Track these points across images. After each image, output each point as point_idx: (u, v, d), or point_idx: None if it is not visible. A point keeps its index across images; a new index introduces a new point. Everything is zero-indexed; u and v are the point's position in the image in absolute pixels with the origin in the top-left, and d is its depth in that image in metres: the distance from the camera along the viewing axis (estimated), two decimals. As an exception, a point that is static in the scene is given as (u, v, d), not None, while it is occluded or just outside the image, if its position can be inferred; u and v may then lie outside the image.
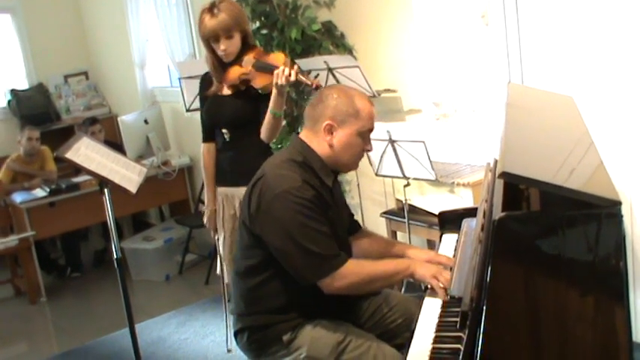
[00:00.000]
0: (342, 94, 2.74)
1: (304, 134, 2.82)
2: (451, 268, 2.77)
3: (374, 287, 2.84)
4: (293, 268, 2.65)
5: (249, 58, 3.68)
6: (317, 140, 2.76)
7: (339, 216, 2.85)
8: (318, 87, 3.48)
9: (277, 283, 2.74)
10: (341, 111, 2.71)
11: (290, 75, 3.48)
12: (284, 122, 5.47)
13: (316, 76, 3.67)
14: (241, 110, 3.75)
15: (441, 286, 2.65)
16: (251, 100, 3.72)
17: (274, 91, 3.55)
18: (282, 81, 3.49)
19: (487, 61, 4.36)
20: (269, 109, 3.61)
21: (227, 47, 3.67)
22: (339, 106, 2.71)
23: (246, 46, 3.74)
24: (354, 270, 2.66)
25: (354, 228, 3.15)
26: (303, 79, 3.52)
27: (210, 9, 3.65)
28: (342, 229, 2.88)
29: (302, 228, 2.60)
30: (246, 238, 2.80)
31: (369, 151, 2.85)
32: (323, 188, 2.73)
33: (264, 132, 3.70)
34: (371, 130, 2.80)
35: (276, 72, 3.51)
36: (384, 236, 3.24)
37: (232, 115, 3.77)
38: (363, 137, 2.77)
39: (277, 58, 3.67)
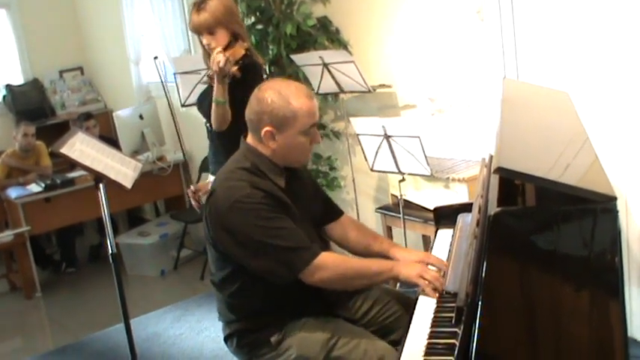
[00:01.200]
0: (277, 96, 2.63)
1: (250, 137, 2.78)
2: (444, 271, 2.76)
3: (356, 284, 2.79)
4: (268, 272, 2.63)
5: (217, 50, 3.67)
6: (261, 145, 2.71)
7: (303, 210, 2.80)
8: (234, 75, 3.59)
9: (254, 288, 2.72)
10: (277, 116, 2.62)
11: (220, 62, 3.53)
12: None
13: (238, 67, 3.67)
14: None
15: (429, 284, 2.65)
16: (228, 94, 3.73)
17: (215, 79, 3.61)
18: (214, 67, 3.56)
19: (482, 57, 4.36)
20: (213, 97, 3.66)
21: (209, 42, 3.75)
22: (274, 110, 2.62)
23: (233, 43, 3.76)
24: (336, 262, 2.64)
25: (334, 214, 3.09)
26: (227, 67, 3.57)
27: (199, 4, 3.74)
28: (306, 223, 2.82)
29: (263, 230, 2.58)
30: (214, 253, 2.80)
31: (317, 143, 2.77)
32: (277, 189, 2.69)
33: (212, 121, 3.73)
34: (314, 124, 2.71)
35: (211, 58, 3.60)
36: (374, 231, 3.20)
37: (209, 108, 3.79)
38: (308, 134, 2.69)
39: (230, 52, 3.68)
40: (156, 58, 4.67)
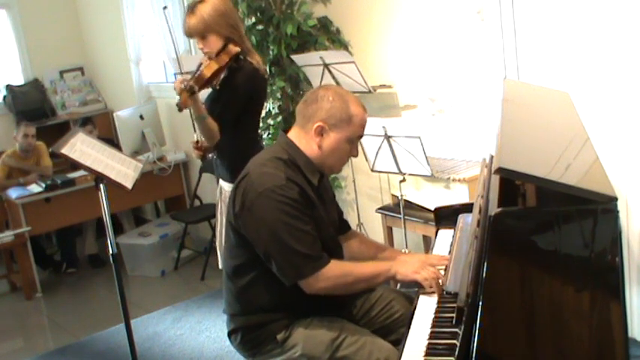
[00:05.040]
0: (338, 98, 2.72)
1: (293, 131, 2.82)
2: (446, 267, 2.78)
3: (356, 289, 2.82)
4: (276, 267, 2.65)
5: (201, 60, 3.70)
6: (305, 139, 2.76)
7: (326, 214, 2.85)
8: (180, 105, 3.60)
9: (266, 282, 2.73)
10: (334, 115, 2.70)
11: (175, 87, 3.60)
12: (279, 118, 5.49)
13: (190, 92, 3.63)
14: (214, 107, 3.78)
15: (425, 279, 2.67)
16: (218, 97, 3.74)
17: None
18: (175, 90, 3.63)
19: (483, 57, 4.36)
20: None
21: (203, 47, 3.73)
22: (333, 109, 2.70)
23: (226, 46, 3.73)
24: (337, 271, 2.67)
25: (343, 228, 3.14)
26: (178, 94, 3.59)
27: (192, 8, 3.71)
28: (329, 228, 2.86)
29: (285, 227, 2.60)
30: (232, 238, 2.80)
31: (354, 156, 2.85)
32: (308, 186, 2.73)
33: (203, 137, 3.76)
34: (360, 137, 2.80)
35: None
36: (375, 241, 3.23)
37: (210, 111, 3.78)
38: (352, 143, 2.77)
39: (205, 67, 3.67)
40: (165, 8, 4.55)
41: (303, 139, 2.77)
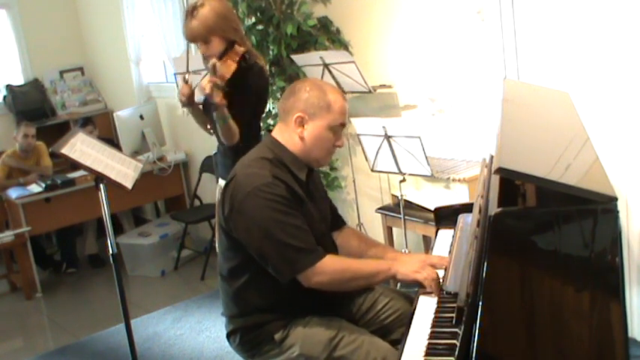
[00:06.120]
0: (315, 87, 2.73)
1: (277, 128, 2.82)
2: (446, 267, 2.77)
3: (354, 285, 2.81)
4: (271, 265, 2.64)
5: (212, 62, 3.63)
6: (288, 133, 2.76)
7: (316, 211, 2.84)
8: (219, 105, 3.51)
9: (262, 283, 2.73)
10: (312, 104, 2.71)
11: (205, 89, 3.49)
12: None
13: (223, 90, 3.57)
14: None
15: (426, 279, 2.67)
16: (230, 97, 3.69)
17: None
18: (205, 91, 3.51)
19: (483, 57, 4.36)
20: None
21: (205, 51, 3.71)
22: (310, 98, 2.71)
23: (229, 49, 3.71)
24: (334, 266, 2.66)
25: (337, 224, 3.13)
26: (212, 94, 3.49)
27: (191, 12, 3.67)
28: (320, 225, 2.85)
29: (276, 223, 2.60)
30: (224, 241, 2.81)
31: (339, 146, 2.82)
32: (295, 183, 2.72)
33: (222, 138, 3.71)
34: (343, 125, 2.78)
35: (198, 84, 3.58)
36: (376, 240, 3.22)
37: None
38: (335, 132, 2.76)
39: (222, 67, 3.61)
40: None
41: (286, 132, 2.77)
